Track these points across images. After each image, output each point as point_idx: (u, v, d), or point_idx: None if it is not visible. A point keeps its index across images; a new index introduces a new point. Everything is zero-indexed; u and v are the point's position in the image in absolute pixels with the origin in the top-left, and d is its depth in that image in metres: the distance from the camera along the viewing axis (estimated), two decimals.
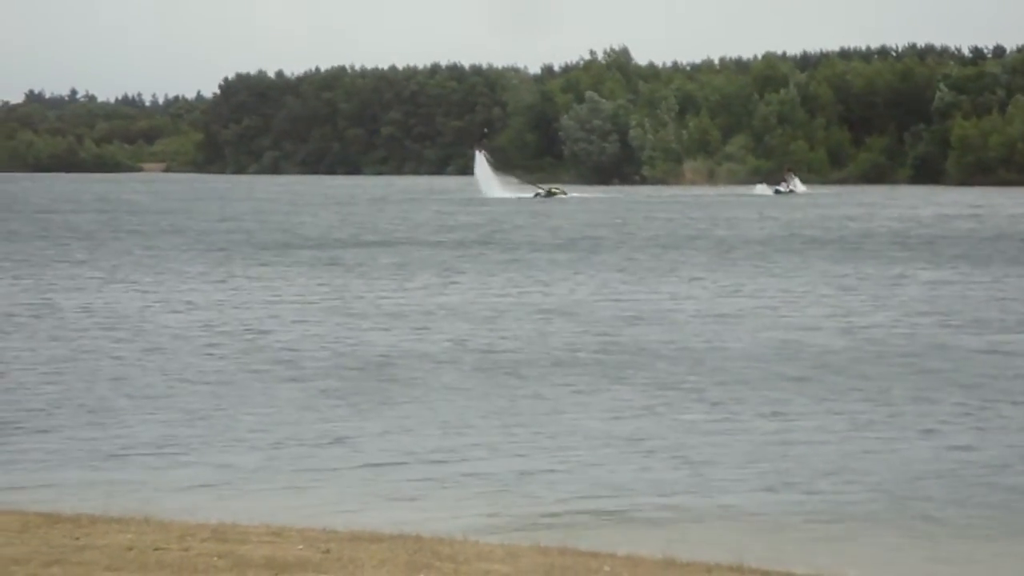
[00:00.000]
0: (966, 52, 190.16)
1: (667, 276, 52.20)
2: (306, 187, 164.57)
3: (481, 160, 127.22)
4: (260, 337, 35.17)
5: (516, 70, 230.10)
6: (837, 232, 78.15)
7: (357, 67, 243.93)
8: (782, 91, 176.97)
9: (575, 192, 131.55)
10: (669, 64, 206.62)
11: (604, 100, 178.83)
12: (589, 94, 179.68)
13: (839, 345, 33.80)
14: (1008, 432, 23.86)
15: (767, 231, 79.55)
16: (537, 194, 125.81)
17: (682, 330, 36.46)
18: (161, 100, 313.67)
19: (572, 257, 61.12)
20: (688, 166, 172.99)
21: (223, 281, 49.78)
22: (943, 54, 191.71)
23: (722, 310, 40.92)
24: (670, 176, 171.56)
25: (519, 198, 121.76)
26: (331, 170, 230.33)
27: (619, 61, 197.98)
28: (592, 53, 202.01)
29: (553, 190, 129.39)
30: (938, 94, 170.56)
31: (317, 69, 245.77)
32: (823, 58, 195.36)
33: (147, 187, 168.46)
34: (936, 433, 23.82)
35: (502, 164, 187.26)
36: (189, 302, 42.96)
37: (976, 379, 28.99)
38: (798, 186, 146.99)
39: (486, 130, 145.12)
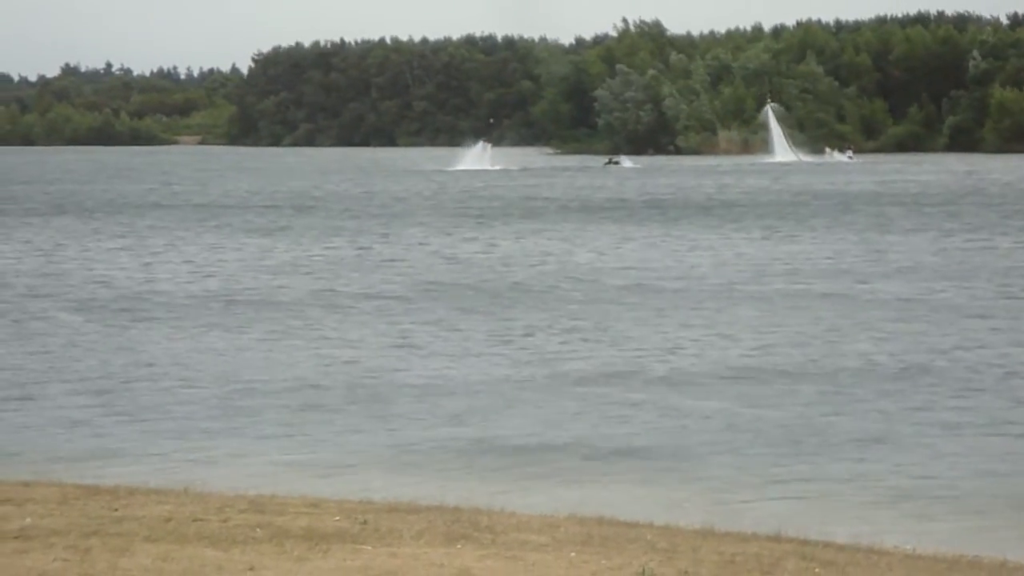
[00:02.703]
0: (1003, 19, 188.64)
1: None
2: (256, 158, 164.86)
3: (478, 151, 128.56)
4: (270, 301, 35.28)
5: (548, 41, 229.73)
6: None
7: (389, 39, 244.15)
8: (804, 63, 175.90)
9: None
10: (705, 33, 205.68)
11: (635, 72, 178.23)
12: (620, 66, 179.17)
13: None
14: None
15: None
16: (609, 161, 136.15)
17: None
18: (196, 73, 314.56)
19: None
20: (723, 136, 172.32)
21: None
22: (980, 21, 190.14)
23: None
24: (704, 146, 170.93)
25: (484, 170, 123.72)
26: (365, 142, 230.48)
27: (651, 32, 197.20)
28: (625, 21, 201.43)
29: (613, 160, 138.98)
30: (972, 62, 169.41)
31: (351, 42, 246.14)
32: (859, 26, 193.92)
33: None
34: (971, 410, 23.79)
35: (539, 135, 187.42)
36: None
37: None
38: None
39: (491, 120, 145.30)
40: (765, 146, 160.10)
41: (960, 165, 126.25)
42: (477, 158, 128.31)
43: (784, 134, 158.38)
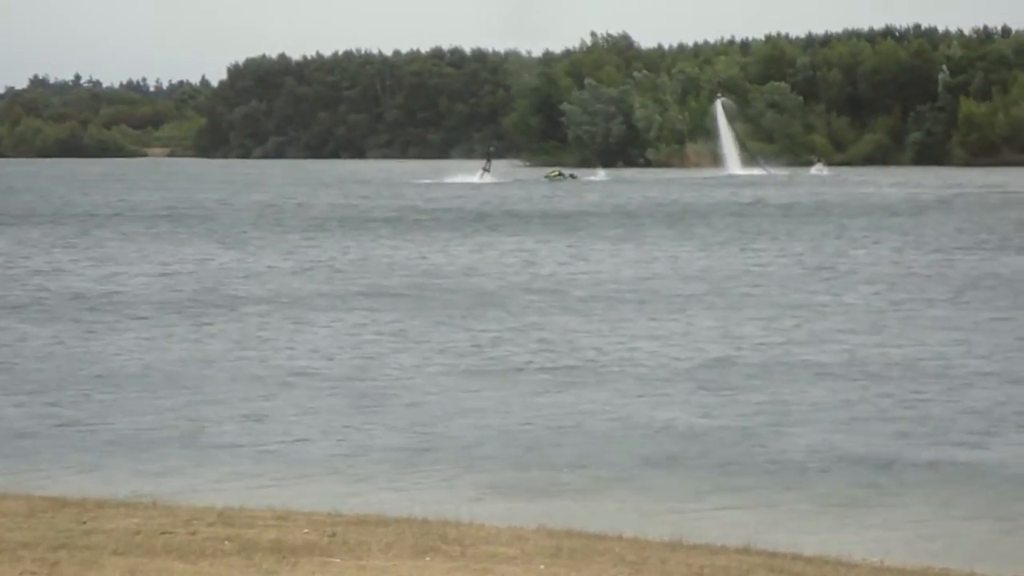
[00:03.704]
0: (971, 32, 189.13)
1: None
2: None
3: (477, 177, 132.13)
4: (231, 311, 35.22)
5: (518, 54, 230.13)
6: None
7: (360, 51, 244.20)
8: (770, 82, 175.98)
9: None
10: (675, 45, 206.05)
11: (603, 85, 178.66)
12: (588, 80, 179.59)
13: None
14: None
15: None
16: (559, 174, 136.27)
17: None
18: (165, 85, 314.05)
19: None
20: (691, 148, 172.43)
21: None
22: (948, 35, 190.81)
23: None
24: (674, 158, 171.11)
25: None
26: (335, 154, 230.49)
27: (619, 46, 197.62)
28: (593, 35, 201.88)
29: (562, 173, 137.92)
30: (941, 75, 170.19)
31: (321, 54, 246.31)
32: (829, 39, 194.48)
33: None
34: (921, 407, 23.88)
35: (508, 148, 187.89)
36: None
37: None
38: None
39: (492, 148, 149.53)
40: (727, 157, 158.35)
41: (928, 178, 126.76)
42: (477, 176, 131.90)
43: (736, 141, 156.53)
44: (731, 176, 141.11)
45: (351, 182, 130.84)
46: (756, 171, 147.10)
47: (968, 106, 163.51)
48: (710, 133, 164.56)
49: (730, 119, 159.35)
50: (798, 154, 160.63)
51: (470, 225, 71.31)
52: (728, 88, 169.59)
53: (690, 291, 41.66)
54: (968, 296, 40.02)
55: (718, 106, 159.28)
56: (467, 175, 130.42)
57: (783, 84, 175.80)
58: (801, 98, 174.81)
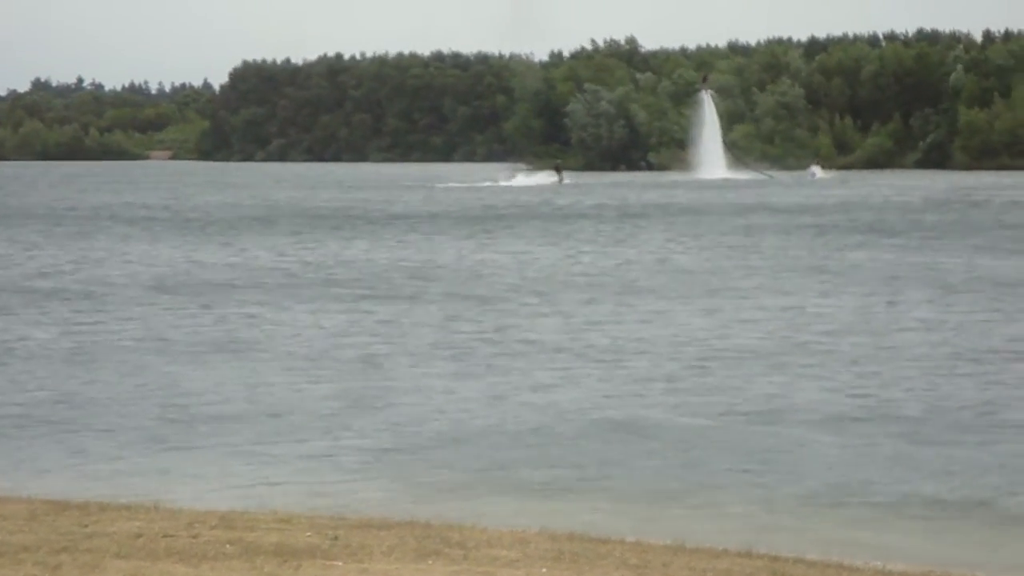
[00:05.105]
0: (976, 37, 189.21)
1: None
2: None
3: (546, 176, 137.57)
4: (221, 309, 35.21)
5: (522, 57, 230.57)
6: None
7: (366, 55, 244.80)
8: (780, 81, 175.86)
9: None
10: (676, 48, 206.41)
11: (604, 89, 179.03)
12: (588, 85, 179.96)
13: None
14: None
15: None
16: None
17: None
18: (168, 88, 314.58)
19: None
20: (690, 152, 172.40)
21: None
22: (952, 38, 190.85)
23: None
24: (674, 162, 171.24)
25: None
26: (337, 157, 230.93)
27: (621, 50, 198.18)
28: (593, 42, 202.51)
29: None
30: (954, 75, 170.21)
31: (324, 57, 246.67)
32: (832, 43, 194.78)
33: None
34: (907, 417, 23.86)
35: (510, 151, 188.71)
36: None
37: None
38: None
39: (559, 162, 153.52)
40: (735, 163, 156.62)
41: (929, 181, 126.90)
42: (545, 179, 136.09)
43: (723, 140, 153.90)
44: (704, 181, 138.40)
45: (405, 186, 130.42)
46: (750, 175, 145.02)
47: (969, 110, 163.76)
48: (693, 132, 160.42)
49: (722, 119, 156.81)
50: (800, 157, 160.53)
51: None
52: (722, 89, 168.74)
53: (690, 294, 41.69)
54: (954, 297, 40.02)
55: (705, 98, 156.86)
56: (521, 179, 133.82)
57: (796, 87, 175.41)
58: (806, 101, 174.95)
